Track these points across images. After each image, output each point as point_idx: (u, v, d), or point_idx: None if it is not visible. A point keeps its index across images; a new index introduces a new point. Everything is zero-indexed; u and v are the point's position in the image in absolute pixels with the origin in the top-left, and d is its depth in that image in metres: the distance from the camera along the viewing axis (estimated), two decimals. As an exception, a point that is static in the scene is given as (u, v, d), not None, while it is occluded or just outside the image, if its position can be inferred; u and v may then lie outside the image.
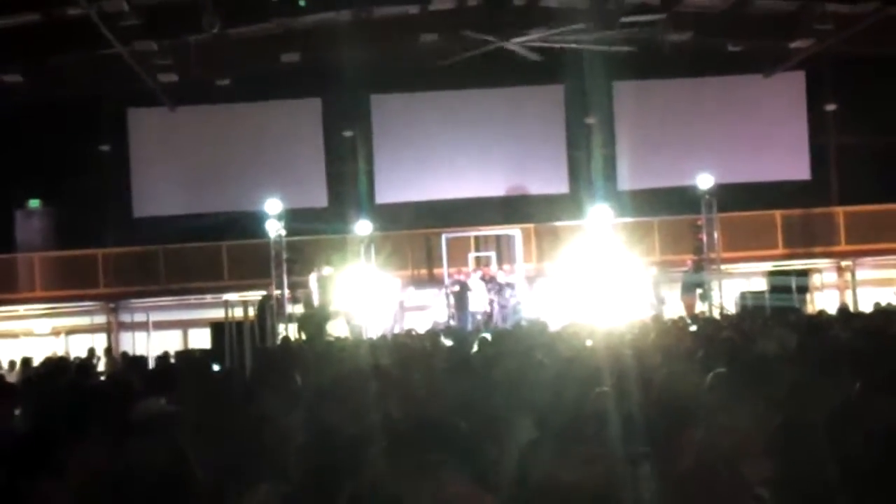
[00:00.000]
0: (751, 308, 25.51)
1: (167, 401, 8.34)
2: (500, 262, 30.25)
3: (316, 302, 27.79)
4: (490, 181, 32.79)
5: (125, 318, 31.76)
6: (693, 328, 17.64)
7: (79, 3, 22.55)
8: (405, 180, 32.81)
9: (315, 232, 29.94)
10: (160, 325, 30.85)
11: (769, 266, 30.51)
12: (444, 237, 30.15)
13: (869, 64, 31.19)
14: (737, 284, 29.82)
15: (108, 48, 24.99)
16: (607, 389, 6.72)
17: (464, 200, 32.35)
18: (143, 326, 30.64)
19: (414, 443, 4.76)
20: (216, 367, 15.20)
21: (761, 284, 29.49)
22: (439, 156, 32.61)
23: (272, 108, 33.04)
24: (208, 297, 29.21)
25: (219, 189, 32.03)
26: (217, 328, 22.56)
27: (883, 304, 24.22)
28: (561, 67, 30.52)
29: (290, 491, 4.92)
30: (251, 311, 20.69)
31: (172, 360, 18.95)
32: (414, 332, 20.99)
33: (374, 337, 22.46)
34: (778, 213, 31.63)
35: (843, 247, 31.68)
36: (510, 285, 28.76)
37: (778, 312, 21.94)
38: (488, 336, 16.47)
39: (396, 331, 24.89)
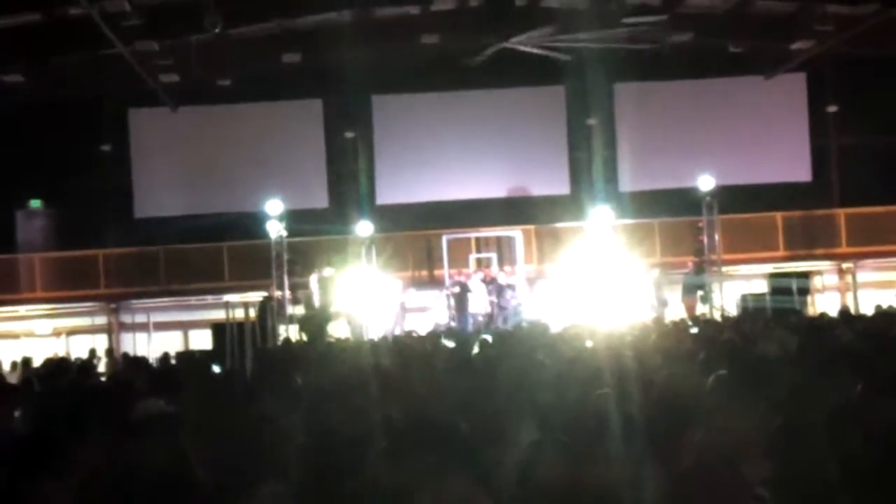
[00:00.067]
0: (752, 310, 25.47)
1: (169, 401, 8.34)
2: (500, 263, 30.22)
3: (317, 303, 27.77)
4: (491, 182, 32.77)
5: (126, 318, 31.77)
6: (694, 330, 17.64)
7: (80, 3, 22.53)
8: (406, 181, 32.80)
9: (316, 233, 29.92)
10: (161, 326, 30.87)
11: (770, 268, 30.49)
12: (444, 238, 30.14)
13: (870, 65, 31.19)
14: (738, 286, 29.77)
15: (109, 48, 24.97)
16: (608, 391, 6.73)
17: (465, 202, 32.33)
18: (144, 327, 30.67)
19: (414, 443, 4.76)
20: (217, 369, 15.19)
21: (762, 286, 29.43)
22: (440, 157, 32.60)
23: (273, 109, 33.03)
24: (209, 298, 29.22)
25: (220, 190, 32.03)
26: (218, 329, 22.58)
27: (884, 306, 24.23)
28: (562, 69, 30.57)
29: (291, 491, 4.92)
30: (252, 312, 20.71)
31: (173, 361, 19.00)
32: (415, 334, 20.97)
33: (375, 338, 22.45)
34: (779, 215, 31.61)
35: (844, 249, 31.66)
36: (511, 287, 28.74)
37: (779, 314, 21.94)
38: (489, 337, 16.46)
39: (397, 332, 24.87)
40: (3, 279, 30.65)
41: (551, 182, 33.35)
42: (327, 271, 28.22)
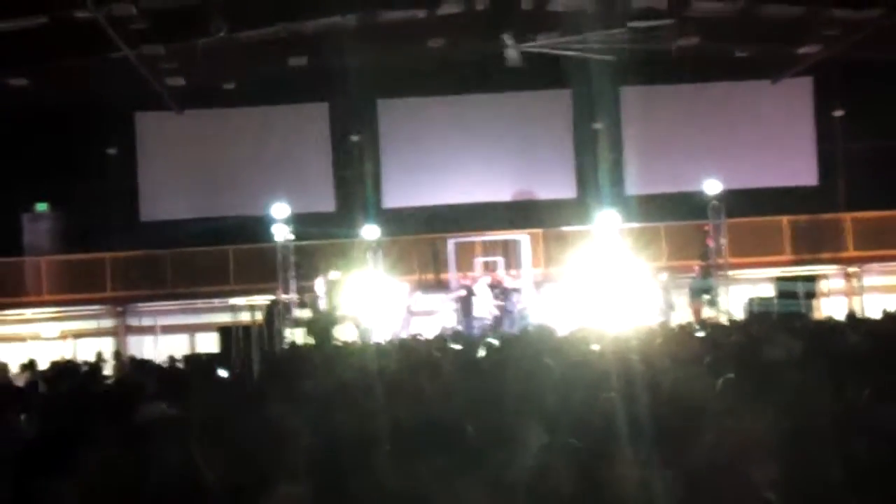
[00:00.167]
0: (758, 314, 25.45)
1: (174, 405, 8.34)
2: (507, 267, 30.20)
3: (323, 306, 27.78)
4: (497, 186, 32.79)
5: (133, 321, 31.80)
6: (700, 334, 17.61)
7: (86, 7, 22.54)
8: (412, 185, 32.83)
9: (322, 236, 29.89)
10: (168, 329, 30.91)
11: (777, 272, 30.48)
12: (450, 242, 30.16)
13: (877, 69, 31.14)
14: (744, 290, 29.75)
15: (115, 52, 24.99)
16: (615, 394, 6.73)
17: (471, 205, 32.35)
18: (151, 330, 30.71)
19: (421, 446, 4.76)
20: (224, 372, 15.20)
21: (769, 290, 29.43)
22: (446, 160, 32.62)
23: (279, 113, 33.07)
24: (216, 302, 29.27)
25: (226, 193, 32.05)
26: (224, 332, 22.66)
27: (890, 310, 24.15)
28: (568, 72, 30.53)
29: (309, 493, 4.92)
30: (258, 316, 20.75)
31: (180, 365, 19.00)
32: (421, 337, 20.96)
33: (382, 341, 22.45)
34: (785, 219, 31.60)
35: (850, 253, 31.65)
36: (517, 290, 28.72)
37: (785, 318, 21.92)
38: (495, 341, 16.44)
39: (404, 335, 24.86)
40: (10, 282, 30.70)
41: (558, 185, 33.37)
42: (333, 275, 28.22)
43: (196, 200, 32.16)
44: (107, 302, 31.37)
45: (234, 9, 24.51)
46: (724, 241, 28.54)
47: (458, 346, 16.38)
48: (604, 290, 27.35)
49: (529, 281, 29.79)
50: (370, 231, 29.52)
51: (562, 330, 19.20)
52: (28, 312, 31.34)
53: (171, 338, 30.12)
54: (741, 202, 29.42)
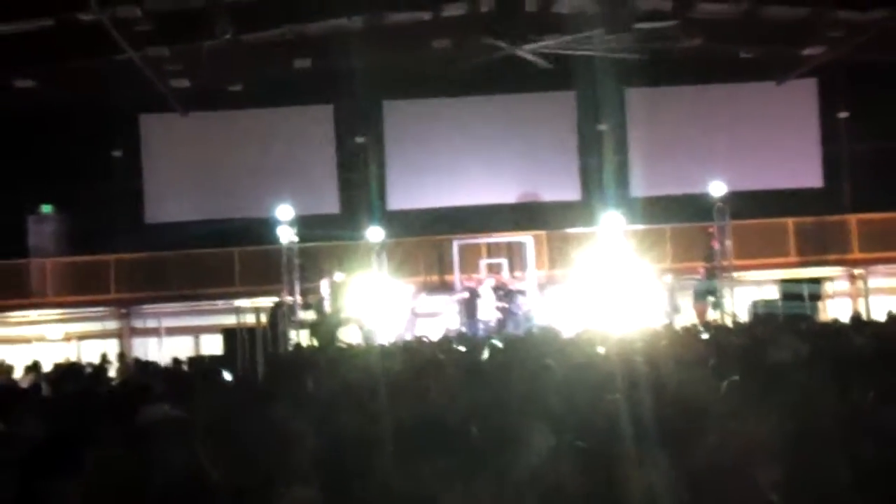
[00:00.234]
0: (763, 316, 25.42)
1: (178, 406, 8.34)
2: (511, 268, 30.22)
3: (328, 308, 27.79)
4: (502, 188, 32.80)
5: (137, 323, 31.83)
6: (705, 336, 17.59)
7: (91, 9, 22.56)
8: (417, 187, 32.84)
9: (327, 238, 29.93)
10: (172, 331, 30.93)
11: (781, 274, 30.44)
12: (455, 244, 30.16)
13: (881, 71, 31.12)
14: (749, 292, 29.76)
15: (120, 54, 25.02)
16: (619, 396, 6.73)
17: (475, 207, 32.37)
18: (155, 332, 30.72)
19: (426, 447, 4.76)
20: (228, 374, 15.19)
21: (773, 292, 29.40)
22: (451, 162, 32.62)
23: (284, 114, 33.08)
24: (220, 303, 29.27)
25: (230, 195, 32.05)
26: (229, 334, 22.63)
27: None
28: (573, 74, 30.51)
29: (314, 496, 4.93)
30: (263, 318, 20.73)
31: (184, 367, 19.02)
32: (425, 339, 20.95)
33: (386, 343, 22.44)
34: (790, 221, 31.58)
35: (855, 255, 31.62)
36: (521, 292, 28.72)
37: (790, 320, 21.89)
38: (499, 343, 16.44)
39: (408, 337, 24.86)
40: (15, 284, 30.72)
41: (562, 187, 33.36)
42: (338, 276, 28.24)
43: (201, 202, 32.19)
44: (111, 304, 31.38)
45: (239, 11, 24.53)
46: (728, 242, 28.52)
47: (462, 348, 16.39)
48: (608, 291, 27.35)
49: (534, 283, 29.81)
50: (375, 233, 29.53)
51: (566, 332, 19.26)
52: (33, 314, 31.38)
53: (175, 340, 30.16)
54: (746, 204, 29.41)
